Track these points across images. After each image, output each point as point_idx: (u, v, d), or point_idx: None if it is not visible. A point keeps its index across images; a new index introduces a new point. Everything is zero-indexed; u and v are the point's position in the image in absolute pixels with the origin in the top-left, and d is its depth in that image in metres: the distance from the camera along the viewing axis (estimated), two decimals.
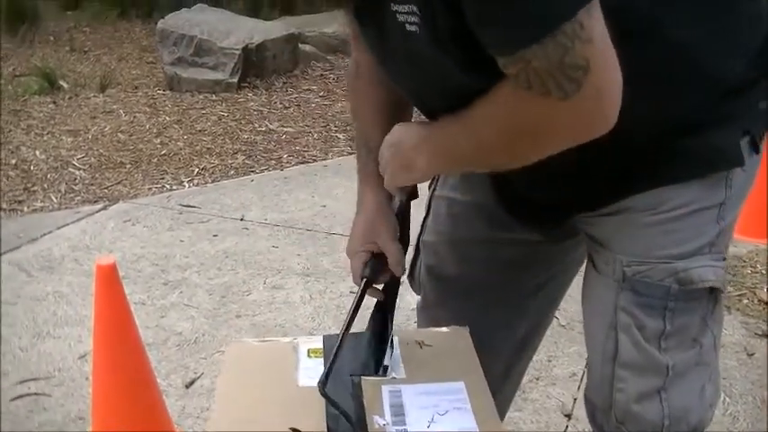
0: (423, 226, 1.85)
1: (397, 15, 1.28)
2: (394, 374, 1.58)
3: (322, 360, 1.60)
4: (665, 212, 1.44)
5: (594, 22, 1.15)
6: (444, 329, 1.76)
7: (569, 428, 2.75)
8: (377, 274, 1.63)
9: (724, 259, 1.51)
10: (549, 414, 2.87)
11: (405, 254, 1.66)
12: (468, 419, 1.46)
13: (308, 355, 1.65)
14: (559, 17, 1.13)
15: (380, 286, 1.65)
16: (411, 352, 1.64)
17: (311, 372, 1.56)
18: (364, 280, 1.61)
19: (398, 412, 1.47)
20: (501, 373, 1.88)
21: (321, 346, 1.66)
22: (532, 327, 1.94)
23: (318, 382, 1.45)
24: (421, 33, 1.27)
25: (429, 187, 1.84)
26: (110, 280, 2.19)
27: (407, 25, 1.27)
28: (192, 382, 3.07)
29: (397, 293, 1.69)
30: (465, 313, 1.79)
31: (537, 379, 3.03)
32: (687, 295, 1.46)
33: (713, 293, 1.49)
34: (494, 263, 1.78)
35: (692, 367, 1.53)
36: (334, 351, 1.50)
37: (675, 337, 1.49)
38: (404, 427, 1.43)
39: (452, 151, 1.42)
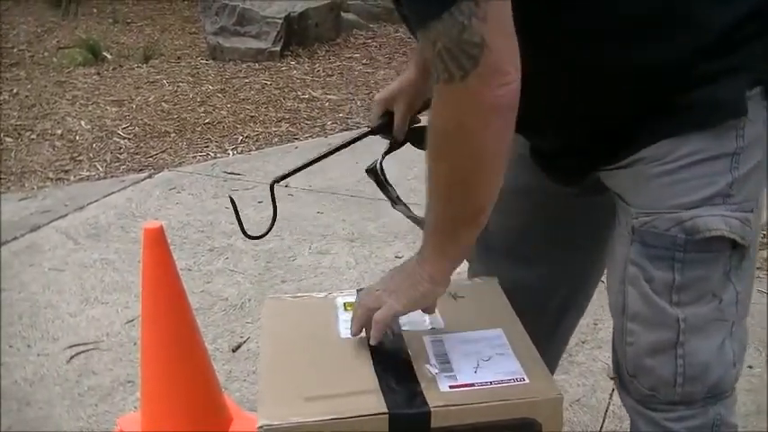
0: None
1: None
2: (433, 326, 1.60)
3: None
4: (671, 162, 1.41)
5: (493, 2, 1.22)
6: (475, 280, 1.80)
7: (615, 391, 2.72)
8: (382, 128, 1.86)
9: (749, 211, 1.45)
10: (596, 377, 2.84)
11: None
12: (513, 363, 1.48)
13: (345, 308, 1.66)
14: None
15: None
16: (446, 303, 1.64)
17: (350, 324, 1.57)
18: (368, 128, 1.88)
19: (444, 360, 1.49)
20: (546, 333, 1.85)
21: (355, 299, 1.66)
22: (576, 286, 1.93)
23: (272, 181, 1.81)
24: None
25: None
26: (157, 244, 2.19)
27: None
28: (238, 347, 3.08)
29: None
30: (505, 267, 1.80)
31: (583, 342, 3.01)
32: (698, 246, 1.42)
33: (737, 248, 1.44)
34: (534, 214, 1.78)
35: (710, 322, 1.48)
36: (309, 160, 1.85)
37: (689, 290, 1.45)
38: (452, 374, 1.45)
39: (438, 221, 1.45)
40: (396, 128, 1.83)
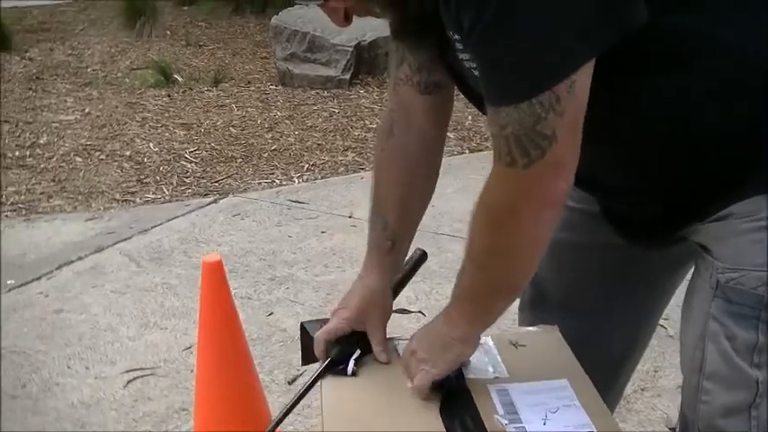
0: None
1: (464, 63, 1.35)
2: (497, 374, 1.59)
3: None
4: (763, 220, 1.36)
5: (572, 99, 1.21)
6: (534, 328, 1.78)
7: None
8: (345, 357, 1.62)
9: None
10: (654, 426, 2.77)
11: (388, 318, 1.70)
12: (581, 416, 1.46)
13: None
14: (538, 87, 1.20)
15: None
16: (508, 352, 1.65)
17: None
18: (328, 360, 1.62)
19: (511, 410, 1.48)
20: (600, 384, 1.81)
21: None
22: (633, 334, 1.88)
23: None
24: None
25: None
26: (216, 276, 2.18)
27: (474, 71, 1.32)
28: (294, 379, 3.05)
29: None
30: (559, 317, 1.77)
31: (642, 390, 2.94)
32: None
33: None
34: (592, 267, 1.76)
35: None
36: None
37: None
38: (522, 425, 1.44)
39: (474, 290, 1.46)
40: (378, 351, 1.65)
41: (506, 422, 1.43)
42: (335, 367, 1.62)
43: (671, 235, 1.53)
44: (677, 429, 1.64)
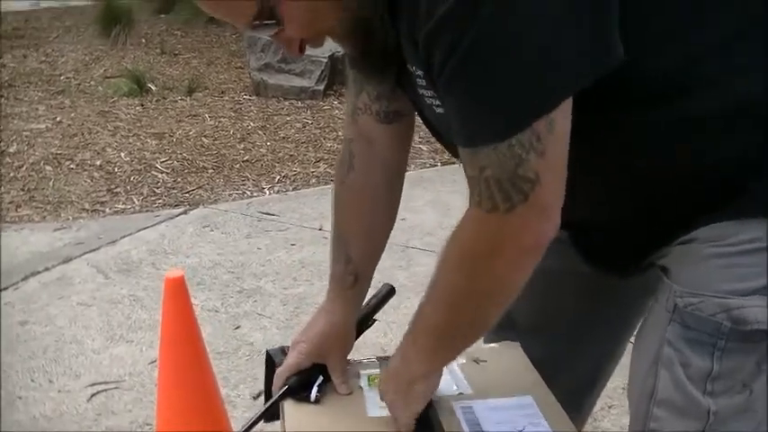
0: None
1: (425, 99, 1.33)
2: (461, 391, 1.59)
3: None
4: (728, 246, 1.34)
5: (553, 138, 1.17)
6: (495, 345, 1.77)
7: None
8: (302, 388, 1.62)
9: None
10: None
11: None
12: None
13: (369, 383, 1.63)
14: (518, 125, 1.16)
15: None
16: (470, 368, 1.65)
17: (378, 399, 1.55)
18: (285, 388, 1.62)
19: (476, 429, 1.48)
20: (570, 405, 1.80)
21: (378, 372, 1.65)
22: (603, 359, 1.87)
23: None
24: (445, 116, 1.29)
25: None
26: (178, 293, 2.17)
27: (435, 108, 1.31)
28: (259, 394, 3.03)
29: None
30: (528, 340, 1.77)
31: (609, 407, 2.93)
32: (741, 336, 1.34)
33: None
34: (562, 294, 1.73)
35: (739, 413, 1.40)
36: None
37: (724, 380, 1.37)
38: None
39: (438, 328, 1.41)
40: (339, 383, 1.66)
41: None
42: (298, 394, 1.61)
43: (641, 263, 1.52)
44: None
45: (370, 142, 1.64)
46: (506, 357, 1.71)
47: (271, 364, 1.68)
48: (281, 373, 1.64)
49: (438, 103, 1.30)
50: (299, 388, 1.61)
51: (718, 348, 1.35)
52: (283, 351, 1.68)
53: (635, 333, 1.68)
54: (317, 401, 1.60)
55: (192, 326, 2.21)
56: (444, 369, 1.62)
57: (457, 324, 1.39)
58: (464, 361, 1.71)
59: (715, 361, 1.36)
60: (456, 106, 1.23)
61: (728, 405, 1.39)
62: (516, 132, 1.16)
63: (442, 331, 1.41)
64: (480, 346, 1.77)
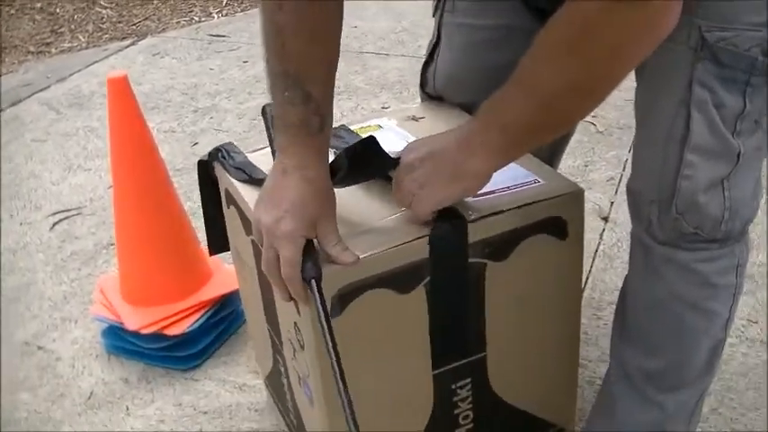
0: (433, 53, 1.70)
1: None
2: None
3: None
4: None
5: None
6: (428, 103, 1.74)
7: (606, 231, 2.65)
8: (321, 268, 1.29)
9: None
10: (586, 217, 2.75)
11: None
12: (519, 170, 1.47)
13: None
14: None
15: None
16: (408, 125, 1.61)
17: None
18: (313, 281, 1.27)
19: None
20: None
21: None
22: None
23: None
24: None
25: (434, 14, 1.69)
26: (123, 95, 2.10)
27: None
28: None
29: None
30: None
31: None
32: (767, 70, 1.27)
33: None
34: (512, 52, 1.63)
35: (755, 152, 1.35)
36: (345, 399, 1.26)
37: (748, 119, 1.30)
38: None
39: (519, 124, 1.22)
40: (339, 252, 1.31)
41: None
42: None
43: None
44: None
45: None
46: (444, 113, 1.67)
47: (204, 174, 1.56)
48: (290, 276, 1.29)
49: None
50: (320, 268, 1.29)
51: (750, 85, 1.28)
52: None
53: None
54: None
55: (140, 126, 2.15)
56: (386, 131, 1.58)
57: (542, 120, 1.22)
58: (400, 120, 1.67)
59: (747, 98, 1.29)
60: None
61: (751, 145, 1.34)
62: None
63: (522, 126, 1.22)
64: (407, 107, 1.74)
